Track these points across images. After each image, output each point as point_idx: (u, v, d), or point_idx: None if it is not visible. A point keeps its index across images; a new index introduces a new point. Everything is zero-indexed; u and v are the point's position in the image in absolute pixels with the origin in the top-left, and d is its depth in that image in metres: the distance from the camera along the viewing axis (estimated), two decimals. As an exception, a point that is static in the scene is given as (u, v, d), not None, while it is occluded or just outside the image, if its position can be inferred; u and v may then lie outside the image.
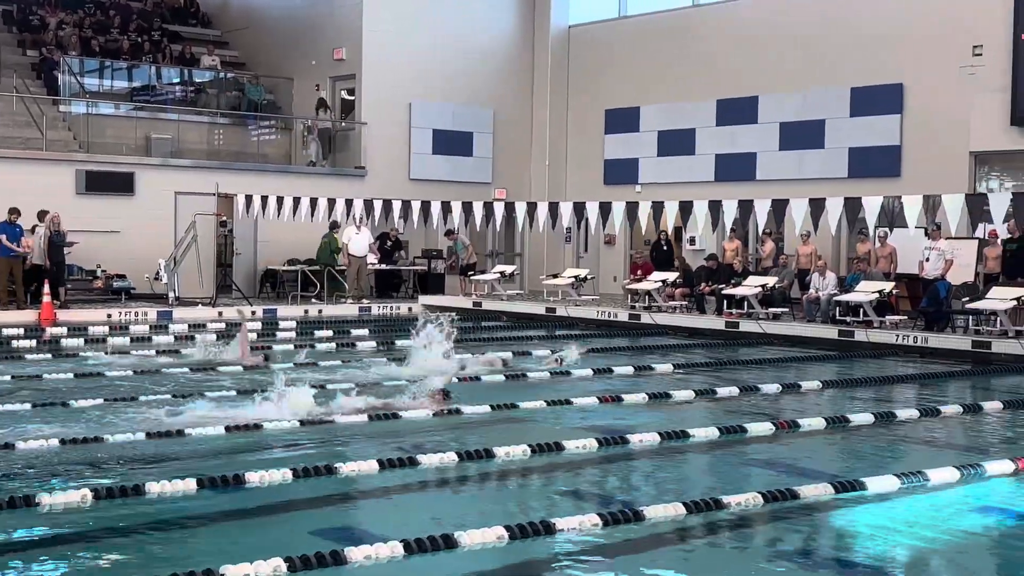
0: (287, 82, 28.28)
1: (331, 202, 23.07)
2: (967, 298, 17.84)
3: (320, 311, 22.38)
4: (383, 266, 25.10)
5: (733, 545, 7.05)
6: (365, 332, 19.22)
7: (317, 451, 9.30)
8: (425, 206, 22.93)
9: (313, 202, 23.11)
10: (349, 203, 23.13)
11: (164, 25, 29.89)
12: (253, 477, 7.96)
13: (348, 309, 22.77)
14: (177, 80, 27.70)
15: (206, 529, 7.11)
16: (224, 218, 23.86)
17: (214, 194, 23.09)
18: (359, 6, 26.39)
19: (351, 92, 27.23)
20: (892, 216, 17.44)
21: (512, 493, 8.38)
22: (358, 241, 23.37)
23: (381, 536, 6.47)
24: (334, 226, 23.75)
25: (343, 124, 27.31)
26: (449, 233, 24.53)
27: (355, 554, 6.11)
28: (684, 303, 21.41)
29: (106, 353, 15.57)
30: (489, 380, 13.62)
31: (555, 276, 24.51)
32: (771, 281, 20.14)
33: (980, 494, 8.35)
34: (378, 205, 23.05)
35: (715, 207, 19.41)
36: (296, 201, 23.15)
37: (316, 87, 27.24)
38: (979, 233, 18.73)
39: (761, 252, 22.12)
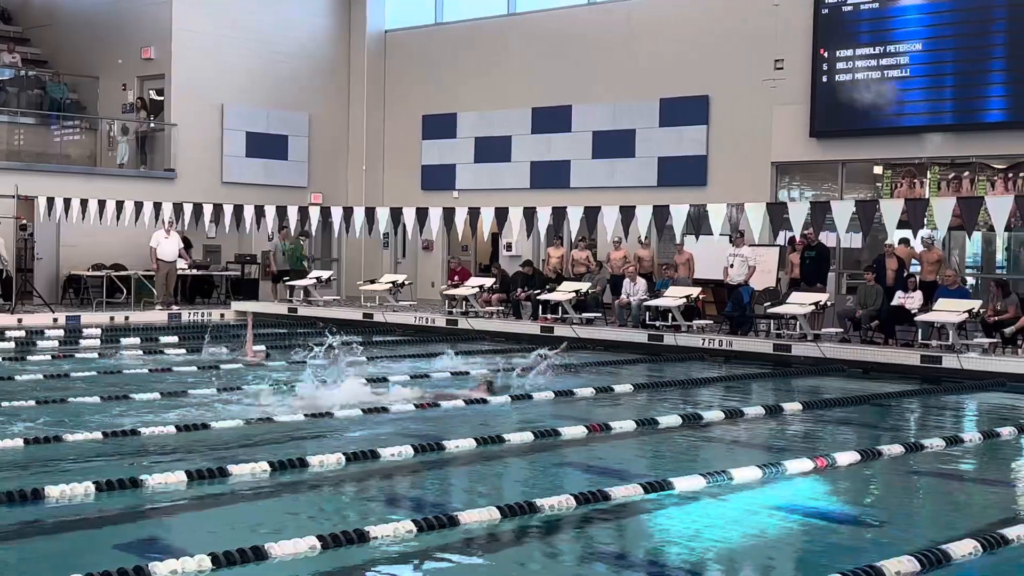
0: (92, 81, 27.29)
1: (139, 205, 22.38)
2: (769, 303, 18.57)
3: (127, 317, 21.66)
4: (194, 271, 24.49)
5: (547, 548, 7.14)
6: (175, 339, 18.70)
7: (119, 464, 9.00)
8: (237, 210, 22.47)
9: (119, 205, 22.37)
10: (158, 206, 22.47)
11: (-40, 20, 28.50)
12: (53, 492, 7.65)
13: (157, 315, 22.12)
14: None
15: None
16: (24, 221, 22.85)
17: (13, 196, 22.08)
18: (168, 4, 25.67)
19: (160, 92, 26.48)
20: (698, 223, 17.99)
21: (326, 502, 8.28)
22: (167, 246, 22.73)
23: (187, 549, 6.31)
24: (300, 233, 24.21)
25: (152, 125, 26.52)
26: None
27: (160, 569, 5.92)
28: (501, 308, 21.61)
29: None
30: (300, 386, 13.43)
31: (373, 281, 24.38)
32: (584, 287, 20.52)
33: (781, 492, 8.69)
34: (188, 209, 22.48)
35: (530, 213, 19.67)
36: (102, 204, 22.37)
37: (123, 87, 26.39)
38: (780, 240, 19.50)
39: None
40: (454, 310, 21.70)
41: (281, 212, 22.30)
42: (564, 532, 7.41)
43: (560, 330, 19.55)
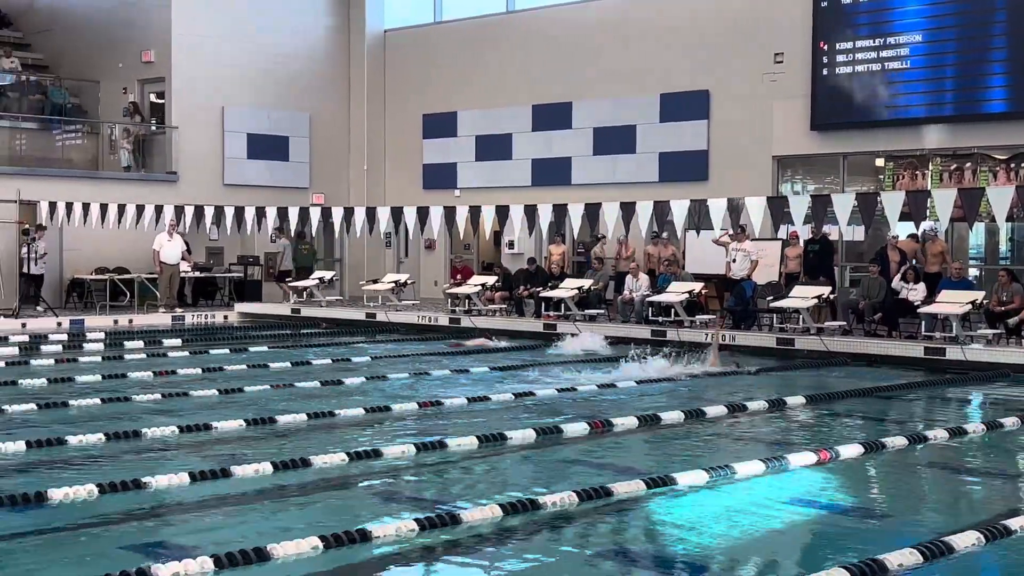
0: (93, 85, 27.32)
1: (140, 208, 22.43)
2: (771, 297, 18.56)
3: (131, 321, 21.68)
4: (197, 273, 24.52)
5: (551, 545, 7.13)
6: (178, 342, 18.73)
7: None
8: (239, 212, 22.51)
9: (122, 209, 22.44)
10: (160, 209, 22.52)
11: (-39, 26, 28.52)
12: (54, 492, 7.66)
13: (161, 318, 22.15)
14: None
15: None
16: (27, 226, 22.89)
17: (16, 201, 22.12)
18: (168, 8, 25.67)
19: (160, 95, 26.50)
20: (699, 218, 17.98)
21: (329, 501, 8.29)
22: (170, 248, 22.76)
23: (191, 551, 6.32)
24: (298, 234, 24.59)
25: (153, 128, 26.54)
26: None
27: (162, 572, 5.93)
28: (503, 306, 21.61)
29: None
30: (305, 386, 13.46)
31: (375, 281, 24.39)
32: (587, 284, 20.52)
33: (784, 485, 8.69)
34: (190, 211, 22.51)
35: (531, 211, 19.68)
36: (104, 208, 22.44)
37: (124, 90, 26.41)
38: (781, 234, 19.50)
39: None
40: (457, 309, 21.70)
41: (282, 213, 22.33)
42: (568, 528, 7.41)
43: (563, 327, 19.55)
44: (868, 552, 6.51)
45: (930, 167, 20.51)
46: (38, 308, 22.05)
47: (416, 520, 7.05)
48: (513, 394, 12.86)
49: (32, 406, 11.52)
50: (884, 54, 20.63)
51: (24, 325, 20.27)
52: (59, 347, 17.59)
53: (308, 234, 25.26)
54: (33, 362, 15.69)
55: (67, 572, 5.77)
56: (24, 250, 22.34)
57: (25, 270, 22.59)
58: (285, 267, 25.55)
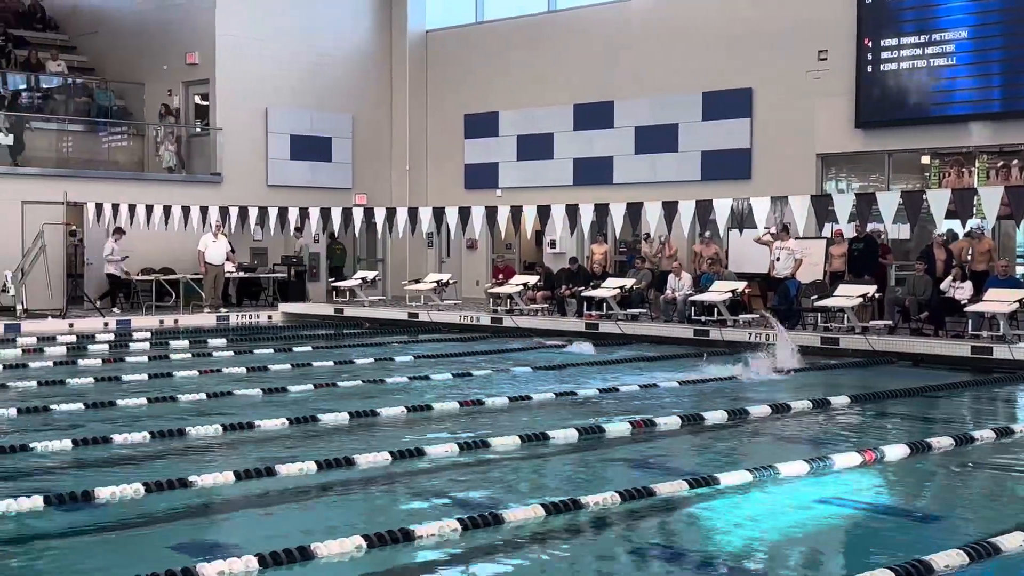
0: (138, 87, 27.58)
1: (185, 210, 22.65)
2: (816, 296, 18.42)
3: (176, 321, 21.89)
4: (242, 274, 24.71)
5: (593, 545, 7.13)
6: (223, 341, 18.89)
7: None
8: (282, 213, 22.67)
9: (167, 210, 22.67)
10: (204, 210, 22.72)
11: (8, 30, 28.85)
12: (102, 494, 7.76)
13: (205, 319, 22.33)
14: (24, 87, 26.76)
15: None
16: (74, 227, 23.17)
17: (63, 203, 22.40)
18: (212, 10, 25.88)
19: (205, 97, 26.72)
20: (742, 217, 17.88)
21: (373, 500, 8.32)
22: (215, 249, 22.95)
23: (236, 550, 6.37)
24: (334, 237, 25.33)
25: (197, 130, 26.77)
26: (298, 231, 24.25)
27: (208, 570, 5.98)
28: (545, 306, 21.60)
29: None
30: (347, 386, 13.53)
31: (417, 281, 24.46)
32: (629, 283, 20.47)
33: (829, 485, 8.62)
34: (234, 212, 22.70)
35: (572, 211, 19.65)
36: (149, 209, 22.68)
37: (168, 92, 26.64)
38: (825, 233, 19.34)
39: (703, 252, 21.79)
40: (499, 308, 21.72)
41: (325, 214, 22.45)
42: (610, 528, 7.40)
43: (605, 326, 19.51)
44: (914, 553, 6.46)
45: (976, 164, 20.27)
46: (115, 309, 22.40)
47: (459, 520, 7.06)
48: (599, 389, 13.05)
49: (79, 406, 11.65)
50: (929, 50, 20.42)
51: (71, 325, 20.50)
52: (106, 347, 17.79)
53: (341, 233, 25.32)
54: (80, 362, 15.87)
55: (114, 570, 5.83)
56: (109, 251, 22.69)
57: (107, 272, 22.95)
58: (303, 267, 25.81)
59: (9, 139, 23.93)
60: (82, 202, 22.93)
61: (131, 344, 18.24)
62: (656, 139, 24.23)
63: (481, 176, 27.25)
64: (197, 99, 27.09)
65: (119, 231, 22.78)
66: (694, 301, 19.18)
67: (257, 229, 23.43)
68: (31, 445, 9.43)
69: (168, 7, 27.00)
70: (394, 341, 19.53)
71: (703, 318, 18.90)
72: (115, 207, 22.64)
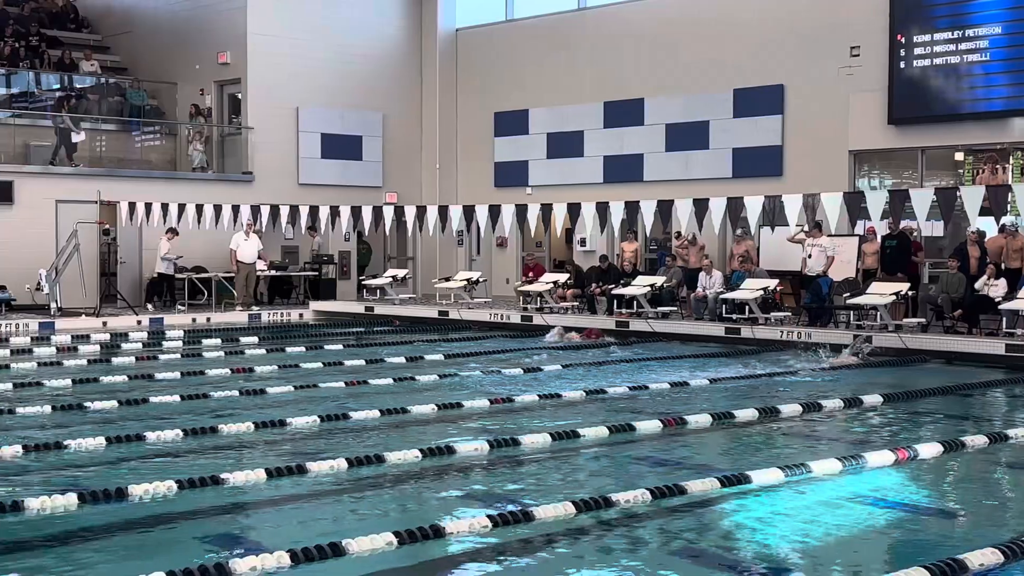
0: (170, 87, 27.77)
1: (217, 208, 22.78)
2: (848, 293, 18.30)
3: (208, 319, 22.02)
4: (273, 272, 24.83)
5: (623, 543, 7.11)
6: (255, 339, 18.98)
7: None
8: (313, 211, 22.76)
9: (199, 209, 22.82)
10: (236, 209, 22.85)
11: (42, 30, 29.11)
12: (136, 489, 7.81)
13: (237, 316, 22.46)
14: (57, 86, 27.00)
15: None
16: (107, 226, 23.35)
17: (96, 202, 22.57)
18: (243, 9, 26.02)
19: (236, 97, 26.85)
20: (773, 215, 17.79)
21: (404, 497, 8.34)
22: (247, 248, 23.09)
23: (268, 546, 6.40)
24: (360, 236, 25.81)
25: (229, 129, 26.91)
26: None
27: (240, 566, 6.01)
28: (575, 304, 21.58)
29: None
30: (378, 383, 13.56)
31: (447, 279, 24.49)
32: (659, 281, 20.41)
33: (862, 484, 8.57)
34: (265, 211, 22.81)
35: (602, 208, 19.62)
36: (181, 208, 22.83)
37: (200, 91, 26.80)
38: (858, 230, 19.22)
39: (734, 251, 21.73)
40: (529, 306, 21.72)
41: (356, 212, 22.52)
42: (640, 525, 7.38)
43: (635, 324, 19.47)
44: (948, 551, 6.40)
45: (1011, 161, 20.07)
46: (180, 307, 22.64)
47: (488, 516, 7.07)
48: (628, 386, 13.02)
49: (113, 403, 11.74)
50: (963, 46, 20.23)
51: (105, 323, 20.66)
52: (139, 345, 17.92)
53: (370, 231, 25.45)
54: (114, 360, 15.99)
55: (147, 567, 5.86)
56: (165, 250, 22.97)
57: (159, 271, 23.28)
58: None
59: (81, 135, 24.22)
60: (115, 201, 23.11)
61: (164, 342, 18.36)
62: (687, 136, 24.15)
63: (511, 174, 27.25)
64: (232, 95, 27.21)
65: (172, 231, 23.00)
66: (725, 299, 19.10)
67: (288, 228, 23.54)
68: (65, 442, 9.51)
69: (200, 7, 27.16)
70: (423, 339, 19.56)
71: (734, 316, 18.82)
72: (148, 206, 22.80)
